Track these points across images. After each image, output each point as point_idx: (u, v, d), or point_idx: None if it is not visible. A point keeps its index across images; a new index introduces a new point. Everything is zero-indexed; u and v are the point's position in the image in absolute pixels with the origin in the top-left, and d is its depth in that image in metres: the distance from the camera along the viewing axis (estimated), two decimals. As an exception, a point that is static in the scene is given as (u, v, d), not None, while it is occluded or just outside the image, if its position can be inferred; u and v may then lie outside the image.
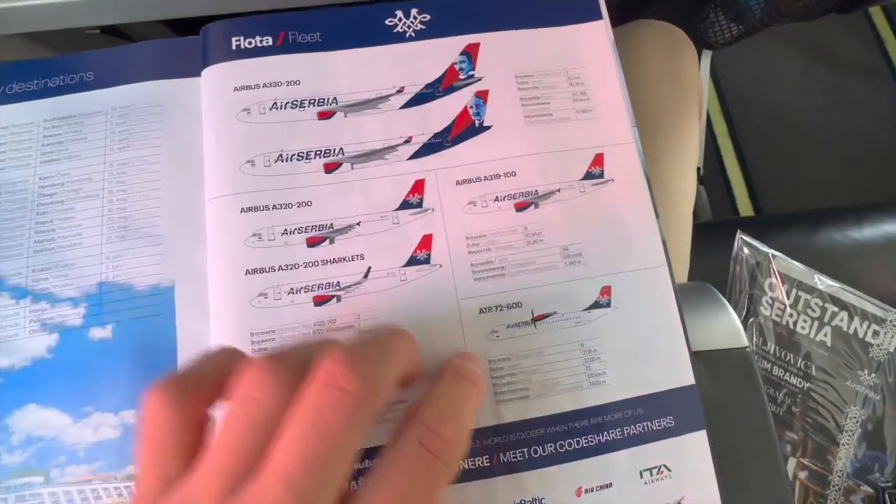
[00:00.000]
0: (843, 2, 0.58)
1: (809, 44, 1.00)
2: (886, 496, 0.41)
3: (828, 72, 0.99)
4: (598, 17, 0.23)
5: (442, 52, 0.22)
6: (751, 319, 0.43)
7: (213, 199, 0.20)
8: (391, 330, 0.16)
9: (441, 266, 0.19)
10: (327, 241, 0.19)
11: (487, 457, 0.17)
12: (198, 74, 0.21)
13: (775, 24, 0.56)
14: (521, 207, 0.20)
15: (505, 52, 0.22)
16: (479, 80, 0.22)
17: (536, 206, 0.20)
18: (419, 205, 0.20)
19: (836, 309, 0.43)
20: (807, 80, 0.98)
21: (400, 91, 0.21)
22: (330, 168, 0.20)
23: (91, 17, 0.24)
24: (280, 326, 0.18)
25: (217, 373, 0.14)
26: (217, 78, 0.21)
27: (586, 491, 0.17)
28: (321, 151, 0.20)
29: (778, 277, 0.44)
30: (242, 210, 0.19)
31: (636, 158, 0.21)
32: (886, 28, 1.03)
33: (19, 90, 0.22)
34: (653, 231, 0.20)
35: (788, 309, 0.43)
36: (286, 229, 0.19)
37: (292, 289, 0.19)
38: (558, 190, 0.20)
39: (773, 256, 0.44)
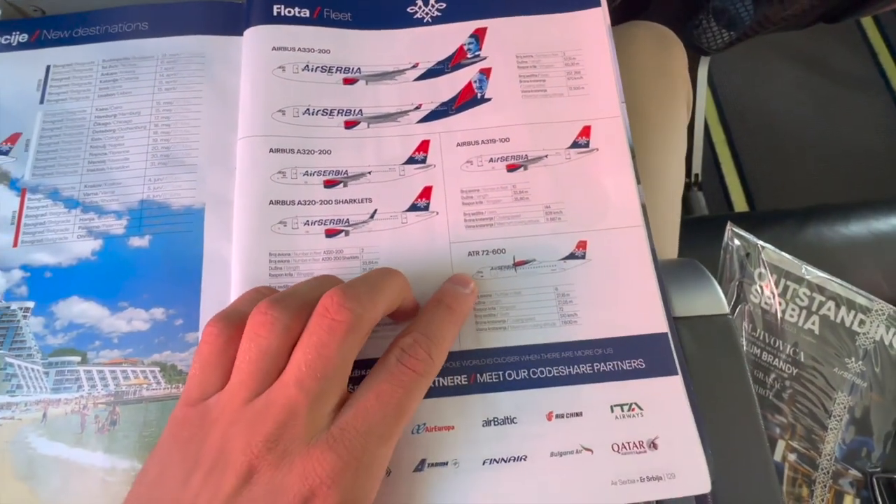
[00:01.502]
0: (830, 12, 0.60)
1: (805, 55, 1.03)
2: (874, 480, 0.42)
3: (822, 83, 1.01)
4: (597, 4, 0.25)
5: (453, 35, 0.25)
6: (740, 306, 0.45)
7: (245, 139, 0.22)
8: (381, 270, 0.19)
9: (437, 213, 0.22)
10: (341, 184, 0.22)
11: (465, 376, 0.19)
12: (240, 33, 0.24)
13: (765, 32, 0.59)
14: (511, 168, 0.23)
15: (509, 35, 0.25)
16: (484, 59, 0.24)
17: (525, 169, 0.23)
18: (423, 161, 0.22)
19: (823, 298, 0.45)
20: (802, 90, 1.01)
21: (414, 66, 0.24)
22: (349, 125, 0.23)
23: None
24: (295, 251, 0.21)
25: (248, 309, 0.17)
26: (258, 37, 0.24)
27: (557, 416, 0.19)
28: (343, 111, 0.23)
29: (767, 267, 0.45)
30: (271, 150, 0.22)
31: (622, 131, 0.23)
32: (879, 41, 1.06)
33: (84, 34, 0.25)
34: (632, 195, 0.22)
35: (777, 298, 0.45)
36: (307, 171, 0.22)
37: (308, 220, 0.21)
38: (546, 156, 0.23)
39: (762, 247, 0.46)
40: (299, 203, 0.21)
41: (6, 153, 0.24)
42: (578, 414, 0.19)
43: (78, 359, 0.21)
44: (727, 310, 0.28)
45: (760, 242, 0.46)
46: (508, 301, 0.21)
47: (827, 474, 0.42)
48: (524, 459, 0.18)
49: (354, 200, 0.22)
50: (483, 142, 0.23)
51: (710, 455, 0.19)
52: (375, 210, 0.22)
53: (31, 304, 0.22)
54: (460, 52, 0.24)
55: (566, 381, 0.20)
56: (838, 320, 0.45)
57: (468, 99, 0.24)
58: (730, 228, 0.46)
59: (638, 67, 0.36)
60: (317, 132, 0.22)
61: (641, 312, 0.21)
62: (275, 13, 0.24)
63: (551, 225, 0.22)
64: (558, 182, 0.22)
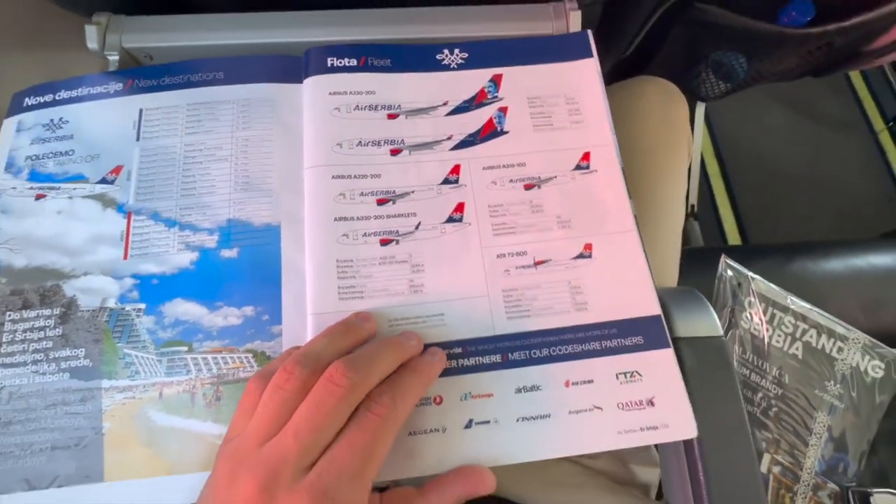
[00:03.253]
0: (818, 67, 0.67)
1: (794, 99, 1.11)
2: (850, 494, 0.46)
3: (809, 124, 1.09)
4: (590, 55, 0.31)
5: (475, 80, 0.30)
6: (731, 331, 0.50)
7: (311, 168, 0.27)
8: (383, 343, 0.23)
9: (470, 224, 0.27)
10: (391, 202, 0.27)
11: (500, 355, 0.24)
12: (299, 81, 0.29)
13: (758, 83, 0.65)
14: (528, 187, 0.28)
15: (521, 80, 0.30)
16: (502, 99, 0.30)
17: (539, 188, 0.28)
18: (455, 182, 0.28)
19: (806, 326, 0.50)
20: (791, 131, 1.08)
21: (445, 104, 0.29)
22: (394, 153, 0.28)
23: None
24: (356, 258, 0.26)
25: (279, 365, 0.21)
26: (317, 85, 0.29)
27: (573, 383, 0.24)
28: (388, 141, 0.28)
29: (756, 297, 0.50)
30: (332, 177, 0.27)
31: (614, 156, 0.29)
32: (863, 87, 1.14)
33: (169, 82, 0.30)
34: (624, 207, 0.28)
35: (765, 325, 0.50)
36: (362, 192, 0.27)
37: (365, 233, 0.26)
38: (555, 177, 0.28)
39: (752, 279, 0.51)
40: (357, 219, 0.26)
41: (112, 182, 0.28)
42: (590, 381, 0.24)
43: (185, 348, 0.25)
44: (721, 332, 0.33)
45: (751, 274, 0.51)
46: (531, 293, 0.26)
47: (808, 486, 0.46)
48: (548, 417, 0.23)
49: (402, 215, 0.26)
50: (504, 166, 0.28)
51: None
52: (419, 222, 0.26)
53: (142, 306, 0.26)
54: (482, 93, 0.30)
55: (580, 356, 0.24)
56: (819, 347, 0.49)
57: (490, 132, 0.29)
58: (724, 260, 0.52)
59: (645, 118, 0.41)
60: (368, 160, 0.27)
61: (637, 299, 0.26)
62: (329, 64, 0.29)
63: (562, 231, 0.27)
64: (566, 197, 0.27)
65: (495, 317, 0.25)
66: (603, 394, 0.24)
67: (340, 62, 0.29)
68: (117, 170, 0.29)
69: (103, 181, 0.28)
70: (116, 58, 0.31)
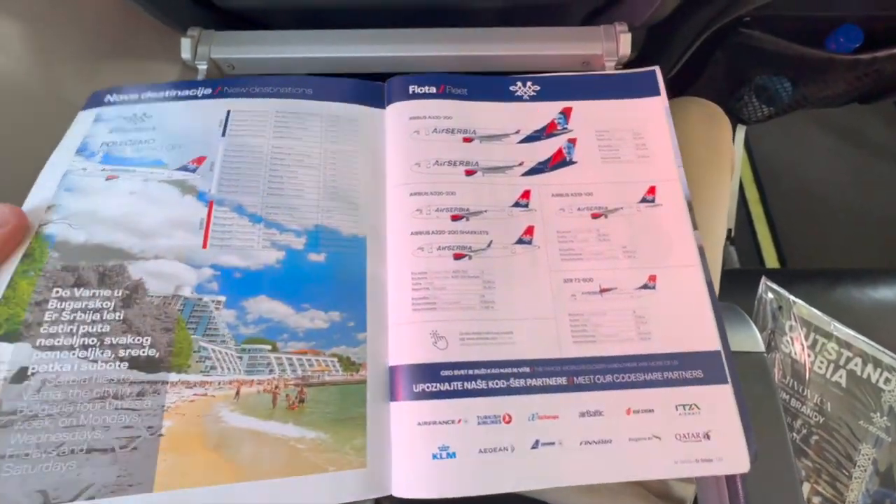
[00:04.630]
0: (866, 94, 0.66)
1: (840, 126, 1.08)
2: (896, 532, 0.44)
3: (856, 152, 1.06)
4: (657, 93, 0.32)
5: (546, 111, 0.31)
6: (771, 354, 0.49)
7: (393, 186, 0.29)
8: None
9: (539, 247, 0.28)
10: (465, 219, 0.28)
11: (565, 378, 0.25)
12: (383, 106, 0.32)
13: (804, 108, 0.64)
14: (595, 217, 0.29)
15: (590, 114, 0.31)
16: (571, 131, 0.31)
17: (606, 217, 0.29)
18: (526, 206, 0.29)
19: (850, 354, 0.49)
20: (836, 158, 1.06)
21: (517, 132, 0.31)
22: (469, 174, 0.29)
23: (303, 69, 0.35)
24: (430, 270, 0.27)
25: None
26: (399, 110, 0.31)
27: (634, 412, 0.24)
28: (464, 162, 0.30)
29: (797, 321, 0.50)
30: (411, 194, 0.28)
31: (680, 191, 0.29)
32: (914, 117, 1.10)
33: (258, 92, 0.31)
34: (689, 241, 0.28)
35: (806, 350, 0.49)
36: (438, 208, 0.28)
37: (440, 246, 0.27)
38: (622, 208, 0.29)
39: (794, 302, 0.50)
40: (433, 233, 0.27)
41: (193, 171, 0.28)
42: (651, 410, 0.24)
43: (269, 347, 0.24)
44: (763, 348, 0.33)
45: (792, 297, 0.50)
46: (597, 320, 0.26)
47: (850, 521, 0.45)
48: (610, 442, 0.24)
49: (475, 232, 0.28)
50: (572, 194, 0.29)
51: (752, 443, 0.24)
52: (491, 241, 0.28)
53: (222, 298, 0.25)
54: (552, 124, 0.31)
55: (642, 385, 0.25)
56: (865, 376, 0.48)
57: (559, 161, 0.30)
58: (764, 282, 0.51)
59: (688, 137, 0.42)
60: (444, 178, 0.29)
61: (698, 333, 0.26)
62: (410, 92, 0.31)
63: (628, 261, 0.28)
64: (632, 228, 0.28)
65: (562, 340, 0.26)
66: (662, 424, 0.24)
67: (421, 89, 0.31)
68: (200, 160, 0.28)
69: (184, 168, 0.28)
70: (205, 67, 0.34)
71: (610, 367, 0.25)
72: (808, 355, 0.49)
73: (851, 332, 0.49)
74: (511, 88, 0.32)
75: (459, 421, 0.24)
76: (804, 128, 1.09)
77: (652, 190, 0.29)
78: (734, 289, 0.54)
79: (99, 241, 0.25)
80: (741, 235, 1.01)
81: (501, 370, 0.25)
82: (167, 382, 0.22)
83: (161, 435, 0.21)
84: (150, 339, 0.23)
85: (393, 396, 0.25)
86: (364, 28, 0.35)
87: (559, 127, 0.31)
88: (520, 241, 0.28)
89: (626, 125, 0.31)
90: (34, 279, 0.24)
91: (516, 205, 0.29)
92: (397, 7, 0.36)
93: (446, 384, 0.24)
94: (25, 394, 0.21)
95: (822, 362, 0.49)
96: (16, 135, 0.37)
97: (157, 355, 0.23)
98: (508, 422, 0.24)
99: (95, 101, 0.31)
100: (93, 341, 0.23)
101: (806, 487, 0.46)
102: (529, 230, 0.28)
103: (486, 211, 0.28)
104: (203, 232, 0.26)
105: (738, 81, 0.60)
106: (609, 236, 0.28)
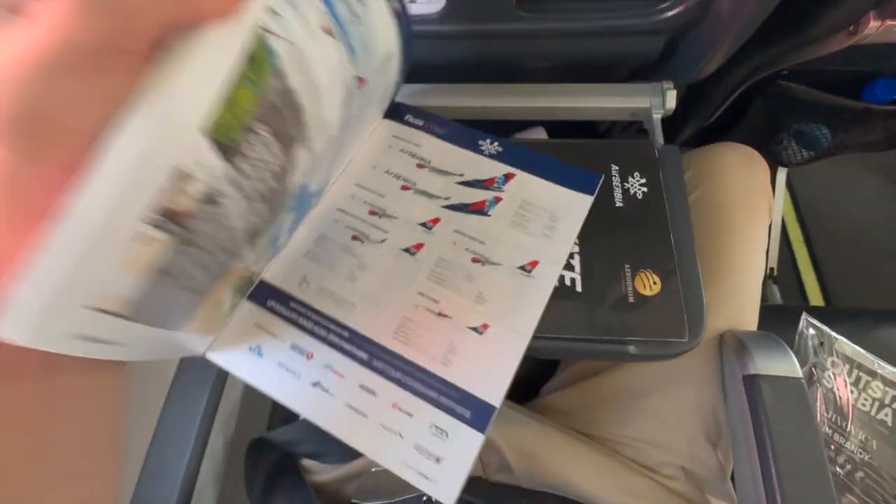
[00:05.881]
0: (907, 140, 0.67)
1: (886, 168, 1.08)
2: (949, 578, 0.44)
3: (904, 196, 1.05)
4: (592, 194, 0.35)
5: (494, 170, 0.36)
6: (813, 388, 0.50)
7: (348, 172, 0.35)
8: None
9: (418, 262, 0.33)
10: (378, 216, 0.34)
11: (367, 355, 0.30)
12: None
13: (844, 153, 0.67)
14: (475, 261, 0.32)
15: (525, 186, 0.36)
16: (502, 192, 0.35)
17: (483, 265, 0.32)
18: (430, 228, 0.34)
19: (895, 393, 0.49)
20: (882, 199, 1.05)
21: (461, 175, 0.36)
22: (404, 189, 0.35)
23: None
24: (330, 239, 0.33)
25: None
26: (389, 127, 0.38)
27: (398, 408, 0.28)
28: (406, 179, 0.36)
29: (840, 357, 0.51)
30: (355, 184, 0.36)
31: (555, 274, 0.32)
32: (967, 162, 1.08)
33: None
34: (536, 313, 0.31)
35: (849, 386, 0.50)
36: (364, 200, 0.35)
37: (347, 225, 0.34)
38: (501, 265, 0.32)
39: (836, 339, 0.51)
40: (349, 215, 0.34)
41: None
42: (410, 415, 0.28)
43: None
44: (801, 374, 0.35)
45: (834, 334, 0.52)
46: (420, 331, 0.31)
47: (899, 561, 0.44)
48: (366, 417, 0.28)
49: (378, 228, 0.33)
50: (469, 237, 0.33)
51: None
52: (385, 239, 0.33)
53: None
54: (492, 180, 0.36)
55: (417, 394, 0.29)
56: (912, 416, 0.48)
57: (477, 209, 0.35)
58: (805, 318, 0.53)
59: (726, 179, 0.46)
60: (384, 183, 0.35)
61: (490, 387, 0.29)
62: (405, 119, 0.38)
63: (474, 305, 0.31)
64: (499, 285, 0.32)
65: (384, 330, 0.30)
66: (411, 429, 0.28)
67: (413, 120, 0.38)
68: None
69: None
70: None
71: (404, 367, 0.29)
72: (851, 392, 0.50)
73: (896, 371, 0.50)
74: (479, 143, 0.37)
75: (278, 337, 0.30)
76: (850, 169, 1.09)
77: (534, 263, 0.33)
78: (775, 323, 0.56)
79: (300, 98, 0.21)
80: (786, 275, 1.00)
81: (329, 325, 0.30)
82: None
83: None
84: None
85: (253, 298, 0.31)
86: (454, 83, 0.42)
87: (495, 185, 0.36)
88: (406, 251, 0.33)
89: (549, 206, 0.35)
90: (254, 94, 0.18)
91: (423, 224, 0.34)
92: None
93: (288, 312, 0.30)
94: (207, 222, 0.19)
95: (865, 399, 0.49)
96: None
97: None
98: (309, 358, 0.29)
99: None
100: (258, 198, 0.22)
101: (851, 524, 0.46)
102: (419, 246, 0.33)
103: (397, 218, 0.34)
104: None
105: (778, 127, 0.63)
106: (475, 279, 0.32)
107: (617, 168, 0.36)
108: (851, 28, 0.36)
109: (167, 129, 0.15)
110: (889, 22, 0.34)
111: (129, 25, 0.13)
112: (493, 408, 0.28)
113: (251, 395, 0.42)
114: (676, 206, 0.35)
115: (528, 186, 0.36)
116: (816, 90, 0.53)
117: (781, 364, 0.35)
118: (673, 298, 0.32)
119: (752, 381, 0.35)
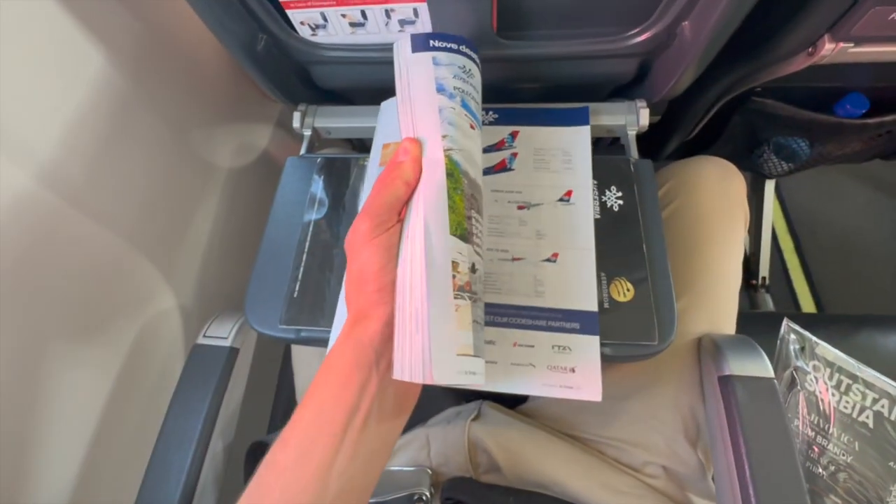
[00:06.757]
0: (885, 152, 0.70)
1: (876, 177, 1.10)
2: (933, 577, 0.45)
3: (892, 204, 1.07)
4: (587, 124, 0.40)
5: (498, 133, 0.41)
6: (794, 390, 0.52)
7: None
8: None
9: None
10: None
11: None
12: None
13: (825, 164, 0.69)
14: (520, 208, 0.37)
15: (532, 137, 0.40)
16: (515, 147, 0.40)
17: (528, 209, 0.37)
18: None
19: (876, 396, 0.51)
20: (871, 208, 1.07)
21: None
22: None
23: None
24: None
25: None
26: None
27: (518, 345, 0.32)
28: None
29: (821, 361, 0.52)
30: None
31: (589, 195, 0.37)
32: (953, 172, 1.10)
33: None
34: (589, 230, 0.35)
35: (831, 389, 0.51)
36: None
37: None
38: (542, 204, 0.37)
39: (816, 343, 0.53)
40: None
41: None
42: (531, 346, 0.32)
43: None
44: (772, 375, 0.37)
45: (814, 338, 0.53)
46: (505, 278, 0.35)
47: (883, 561, 0.45)
48: (496, 363, 0.32)
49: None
50: (505, 191, 0.38)
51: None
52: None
53: None
54: (502, 142, 0.40)
55: (529, 327, 0.33)
56: (893, 417, 0.50)
57: (502, 168, 0.39)
58: (786, 323, 0.55)
59: (704, 190, 0.48)
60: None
61: (583, 298, 0.33)
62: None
63: (538, 241, 0.35)
64: (548, 217, 0.36)
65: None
66: (538, 356, 0.32)
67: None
68: None
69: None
70: (310, 133, 0.44)
71: (508, 312, 0.33)
72: (833, 395, 0.51)
73: (877, 374, 0.51)
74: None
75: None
76: (840, 179, 1.11)
77: (569, 193, 0.37)
78: (759, 329, 0.57)
79: (474, 178, 0.29)
80: (778, 284, 1.02)
81: None
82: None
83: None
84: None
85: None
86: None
87: (507, 144, 0.40)
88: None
89: (558, 145, 0.40)
90: (462, 196, 0.27)
91: None
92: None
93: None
94: (476, 283, 0.27)
95: (847, 402, 0.51)
96: (168, 193, 0.48)
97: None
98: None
99: (422, 44, 0.30)
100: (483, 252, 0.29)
101: (835, 524, 0.47)
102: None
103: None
104: None
105: (758, 141, 0.65)
106: (527, 223, 0.36)
107: (595, 182, 0.39)
108: (810, 50, 0.39)
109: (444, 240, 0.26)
110: (842, 45, 0.37)
111: (396, 209, 0.27)
112: (595, 313, 0.33)
113: (252, 399, 0.44)
114: (650, 217, 0.37)
115: (534, 136, 0.41)
116: (791, 106, 0.55)
117: (754, 365, 0.37)
118: (645, 304, 0.34)
119: (726, 382, 0.37)
